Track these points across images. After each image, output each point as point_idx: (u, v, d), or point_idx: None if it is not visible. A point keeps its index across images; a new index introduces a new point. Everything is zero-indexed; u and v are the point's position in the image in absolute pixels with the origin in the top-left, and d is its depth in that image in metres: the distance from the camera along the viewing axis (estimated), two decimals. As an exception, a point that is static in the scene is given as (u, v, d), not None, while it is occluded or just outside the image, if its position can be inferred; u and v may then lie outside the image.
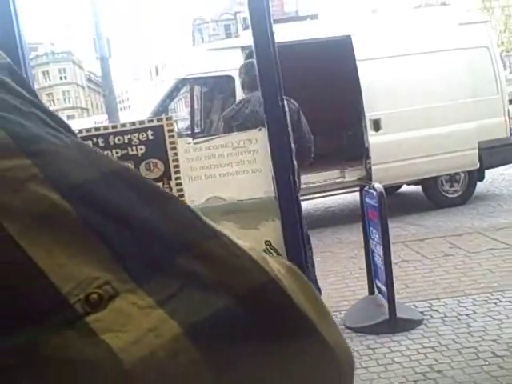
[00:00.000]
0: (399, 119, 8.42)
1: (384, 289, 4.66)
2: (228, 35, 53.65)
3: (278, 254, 2.54)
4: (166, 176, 2.48)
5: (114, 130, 2.49)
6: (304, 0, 42.28)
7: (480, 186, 9.55)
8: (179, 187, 2.49)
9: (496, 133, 8.87)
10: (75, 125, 1.68)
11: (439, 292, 5.25)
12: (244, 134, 2.74)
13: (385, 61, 8.50)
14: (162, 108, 8.82)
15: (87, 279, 0.47)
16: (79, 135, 0.59)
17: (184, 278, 0.49)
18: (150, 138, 2.51)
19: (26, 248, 0.47)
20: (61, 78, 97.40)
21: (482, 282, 5.34)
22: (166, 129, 2.54)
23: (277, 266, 0.53)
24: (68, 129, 0.57)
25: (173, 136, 2.55)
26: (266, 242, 2.57)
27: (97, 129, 2.51)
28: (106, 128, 2.52)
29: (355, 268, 5.98)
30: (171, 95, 9.09)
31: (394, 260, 4.79)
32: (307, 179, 8.58)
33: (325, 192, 9.01)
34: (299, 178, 4.42)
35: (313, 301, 0.53)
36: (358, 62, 8.39)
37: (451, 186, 9.11)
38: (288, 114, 3.10)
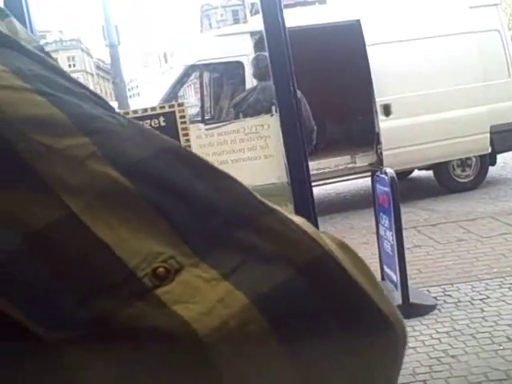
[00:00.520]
0: (410, 104, 8.32)
1: (392, 274, 4.64)
2: (236, 21, 53.33)
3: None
4: (178, 162, 2.47)
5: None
6: (312, -15, 41.94)
7: (492, 171, 9.47)
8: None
9: (508, 117, 8.76)
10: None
11: (452, 277, 5.23)
12: (256, 120, 2.73)
13: (395, 45, 8.40)
14: (172, 95, 8.79)
15: (152, 253, 0.48)
16: None
17: (245, 251, 0.50)
18: (162, 124, 2.50)
19: (90, 224, 0.48)
20: (70, 66, 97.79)
21: (495, 267, 5.31)
22: (177, 115, 2.53)
23: (329, 240, 0.54)
24: (114, 110, 0.58)
25: (185, 122, 2.54)
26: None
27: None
28: (117, 115, 2.51)
29: (367, 253, 5.94)
30: (181, 82, 9.07)
31: (406, 245, 4.77)
32: (318, 165, 8.56)
33: (336, 178, 8.96)
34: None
35: (365, 273, 0.54)
36: (367, 47, 8.31)
37: (463, 171, 9.04)
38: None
